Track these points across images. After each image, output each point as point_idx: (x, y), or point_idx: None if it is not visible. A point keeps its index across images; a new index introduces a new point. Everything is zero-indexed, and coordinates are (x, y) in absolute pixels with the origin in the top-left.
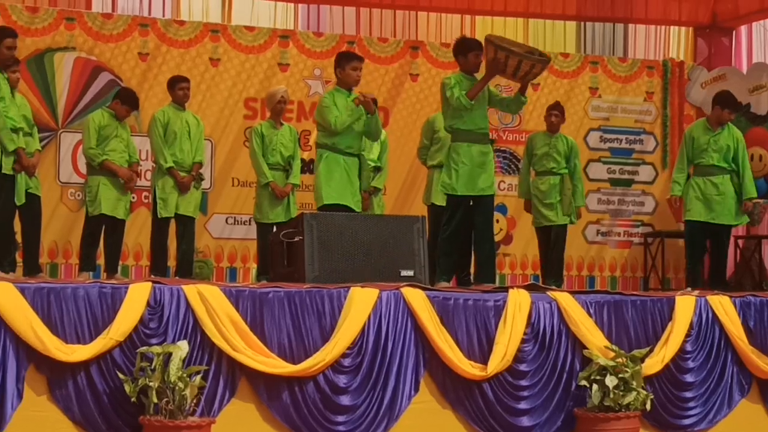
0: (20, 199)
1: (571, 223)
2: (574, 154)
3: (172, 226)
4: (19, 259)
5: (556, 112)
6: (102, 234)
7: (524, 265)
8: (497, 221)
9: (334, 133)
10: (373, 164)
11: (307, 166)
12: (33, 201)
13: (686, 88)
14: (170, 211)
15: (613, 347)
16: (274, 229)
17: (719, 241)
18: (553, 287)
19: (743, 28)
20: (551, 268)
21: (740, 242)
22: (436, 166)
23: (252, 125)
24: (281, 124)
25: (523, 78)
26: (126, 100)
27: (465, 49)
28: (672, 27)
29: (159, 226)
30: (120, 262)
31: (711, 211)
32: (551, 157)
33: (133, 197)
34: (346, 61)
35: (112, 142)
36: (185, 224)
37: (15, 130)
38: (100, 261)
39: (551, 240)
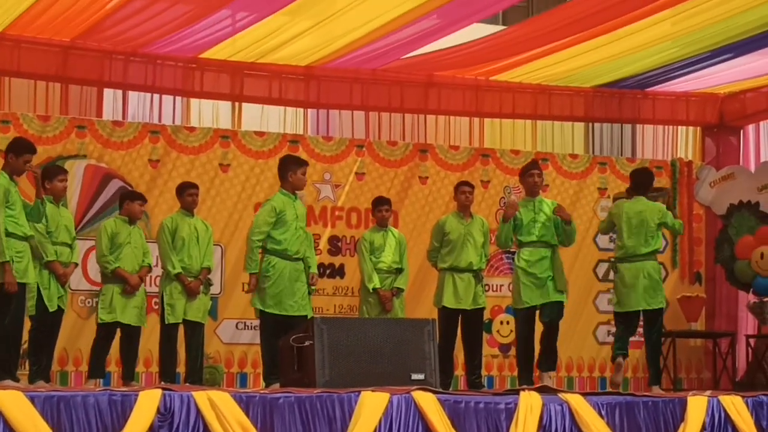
0: (52, 307)
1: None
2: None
3: (182, 332)
4: (26, 367)
5: (537, 171)
6: (114, 341)
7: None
8: (507, 323)
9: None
10: (395, 266)
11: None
12: (57, 312)
13: (695, 188)
14: (178, 317)
15: None
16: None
17: None
18: (565, 390)
19: (751, 127)
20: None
21: (752, 341)
22: (447, 268)
23: None
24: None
25: None
26: (134, 197)
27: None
28: (680, 127)
29: (167, 332)
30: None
31: None
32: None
33: (156, 304)
34: (298, 165)
35: (125, 249)
36: (194, 330)
37: (24, 238)
38: (110, 368)
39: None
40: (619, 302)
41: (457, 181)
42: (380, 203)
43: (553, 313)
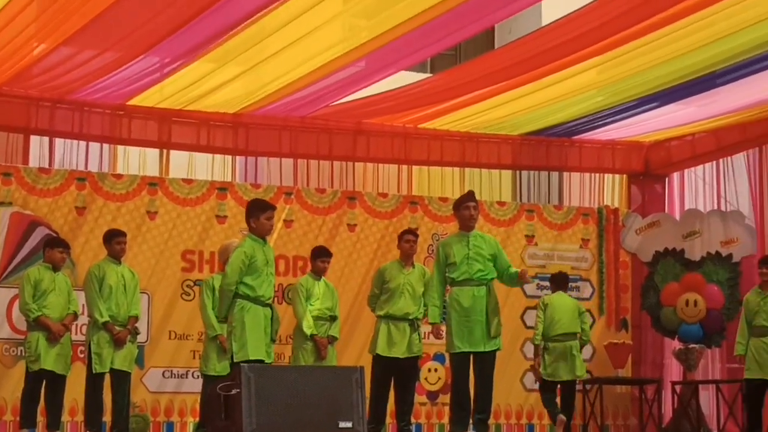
0: None
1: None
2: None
3: (108, 381)
4: None
5: (473, 204)
6: (42, 390)
7: None
8: (436, 370)
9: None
10: (329, 313)
11: None
12: None
13: (621, 235)
14: (105, 366)
15: None
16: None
17: None
18: None
19: (676, 175)
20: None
21: (677, 388)
22: (383, 316)
23: (189, 277)
24: None
25: None
26: (54, 244)
27: None
28: (606, 174)
29: (94, 381)
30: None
31: None
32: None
33: (81, 353)
34: (261, 210)
35: (49, 297)
36: (120, 379)
37: None
38: (41, 417)
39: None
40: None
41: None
42: (323, 254)
43: (486, 364)
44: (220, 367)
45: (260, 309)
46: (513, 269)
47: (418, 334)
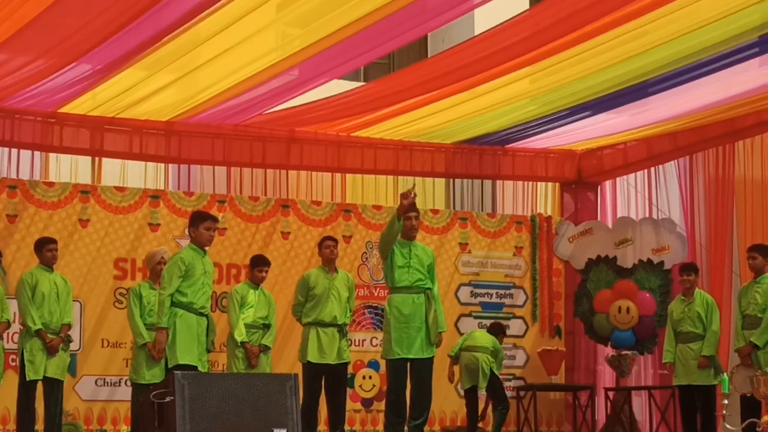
0: None
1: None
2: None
3: (40, 389)
4: None
5: (415, 214)
6: None
7: None
8: (370, 377)
9: (161, 291)
10: (262, 322)
11: None
12: None
13: (554, 243)
14: (38, 373)
15: None
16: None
17: None
18: None
19: (608, 183)
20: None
21: (610, 394)
22: (311, 323)
23: (122, 285)
24: (159, 285)
25: None
26: None
27: None
28: (539, 183)
29: (26, 389)
30: None
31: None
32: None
33: (13, 361)
34: (201, 220)
35: None
36: (53, 387)
37: None
38: None
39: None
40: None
41: (320, 236)
42: (262, 264)
43: (424, 371)
44: (149, 375)
45: (193, 317)
46: (436, 296)
47: (347, 341)
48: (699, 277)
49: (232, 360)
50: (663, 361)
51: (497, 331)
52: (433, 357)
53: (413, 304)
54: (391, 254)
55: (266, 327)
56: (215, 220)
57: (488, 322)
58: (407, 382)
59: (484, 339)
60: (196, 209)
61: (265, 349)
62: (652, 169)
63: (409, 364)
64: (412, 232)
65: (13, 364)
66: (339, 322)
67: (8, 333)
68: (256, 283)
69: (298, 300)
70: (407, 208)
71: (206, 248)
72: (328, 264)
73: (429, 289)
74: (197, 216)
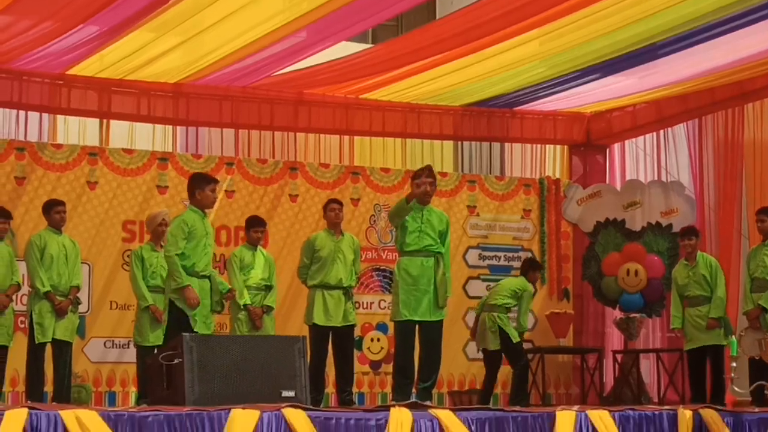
0: None
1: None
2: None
3: (49, 351)
4: None
5: (430, 179)
6: None
7: None
8: (378, 340)
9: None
10: (264, 283)
11: None
12: None
13: (562, 206)
14: (47, 336)
15: None
16: (155, 352)
17: None
18: (434, 405)
19: (617, 146)
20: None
21: (618, 357)
22: (317, 285)
23: (130, 248)
24: (161, 247)
25: None
26: None
27: None
28: (547, 145)
29: (35, 351)
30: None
31: None
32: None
33: (22, 323)
34: (206, 182)
35: None
36: (62, 349)
37: None
38: None
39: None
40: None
41: (327, 198)
42: (256, 224)
43: (433, 333)
44: (153, 337)
45: (195, 281)
46: (447, 262)
47: (352, 303)
48: (700, 240)
49: (235, 323)
50: (671, 327)
51: (527, 268)
52: (441, 320)
53: (422, 267)
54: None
55: (268, 288)
56: (218, 181)
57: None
58: (415, 343)
59: (504, 289)
60: (205, 171)
61: (268, 309)
62: (661, 131)
63: (417, 327)
64: (426, 197)
65: (22, 326)
66: (344, 285)
67: (17, 295)
68: (252, 244)
69: (303, 262)
70: (417, 196)
71: (206, 210)
72: (334, 227)
73: (439, 253)
74: (202, 178)
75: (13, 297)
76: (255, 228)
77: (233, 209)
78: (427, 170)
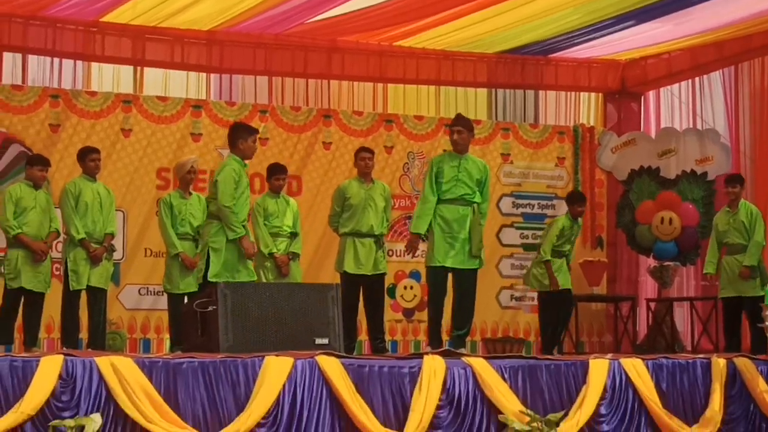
0: None
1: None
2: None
3: (84, 298)
4: None
5: (458, 128)
6: (21, 307)
7: None
8: (411, 288)
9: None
10: (289, 230)
11: None
12: None
13: (597, 153)
14: (82, 283)
15: (529, 412)
16: (185, 300)
17: None
18: (468, 352)
19: (651, 93)
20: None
21: (652, 305)
22: (348, 233)
23: (164, 195)
24: (190, 194)
25: None
26: (35, 162)
27: None
28: (582, 93)
29: (70, 298)
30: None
31: None
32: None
33: (57, 270)
34: (248, 133)
35: (30, 214)
36: (97, 296)
37: None
38: (17, 334)
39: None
40: None
41: (361, 146)
42: (278, 171)
43: (467, 282)
44: (183, 285)
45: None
46: (484, 212)
47: (383, 251)
48: (744, 189)
49: (261, 270)
50: (704, 272)
51: (571, 200)
52: (476, 269)
53: (458, 214)
54: (440, 169)
55: (293, 235)
56: (258, 132)
57: (529, 233)
58: (447, 290)
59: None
60: (239, 120)
61: (294, 256)
62: (697, 79)
63: (451, 275)
64: (456, 146)
65: (57, 273)
66: (376, 233)
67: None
68: (275, 191)
69: (334, 210)
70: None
71: (247, 161)
72: (364, 176)
73: (476, 203)
74: (244, 128)
75: (53, 245)
76: (276, 175)
77: (267, 157)
78: (455, 119)
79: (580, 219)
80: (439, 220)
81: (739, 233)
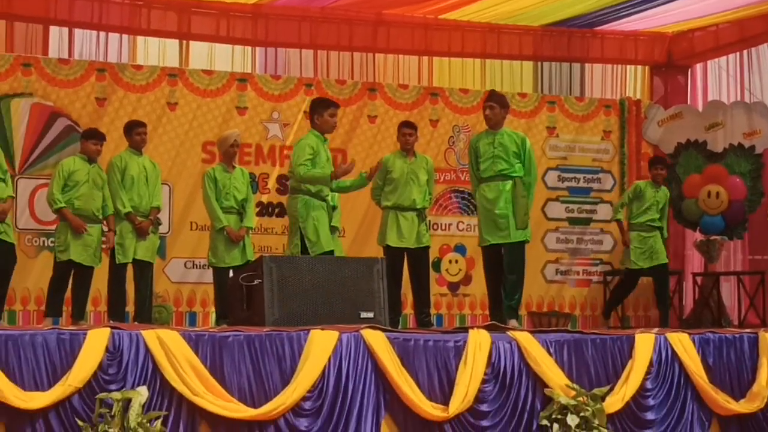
0: None
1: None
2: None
3: (130, 271)
4: None
5: (490, 104)
6: (70, 280)
7: (483, 305)
8: (456, 262)
9: (296, 178)
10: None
11: (266, 209)
12: (3, 247)
13: (643, 127)
14: (128, 256)
15: (574, 386)
16: (230, 273)
17: None
18: (513, 326)
19: (698, 66)
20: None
21: (699, 279)
22: (390, 207)
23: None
24: (234, 168)
25: None
26: (90, 135)
27: None
28: (628, 66)
29: (117, 271)
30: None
31: None
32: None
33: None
34: (325, 107)
35: (82, 188)
36: (143, 269)
37: None
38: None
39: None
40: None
41: (406, 119)
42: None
43: (514, 254)
44: (229, 258)
45: (319, 203)
46: (528, 184)
47: (426, 225)
48: None
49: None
50: None
51: (650, 163)
52: (523, 241)
53: (498, 191)
54: (476, 148)
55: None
56: (338, 106)
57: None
58: (501, 267)
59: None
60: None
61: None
62: (745, 51)
63: (502, 249)
64: (489, 122)
65: (104, 246)
66: (418, 206)
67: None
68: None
69: (376, 183)
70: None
71: (326, 135)
72: (406, 151)
73: (518, 176)
74: (320, 102)
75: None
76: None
77: None
78: (486, 94)
79: (664, 188)
80: (481, 200)
81: None
